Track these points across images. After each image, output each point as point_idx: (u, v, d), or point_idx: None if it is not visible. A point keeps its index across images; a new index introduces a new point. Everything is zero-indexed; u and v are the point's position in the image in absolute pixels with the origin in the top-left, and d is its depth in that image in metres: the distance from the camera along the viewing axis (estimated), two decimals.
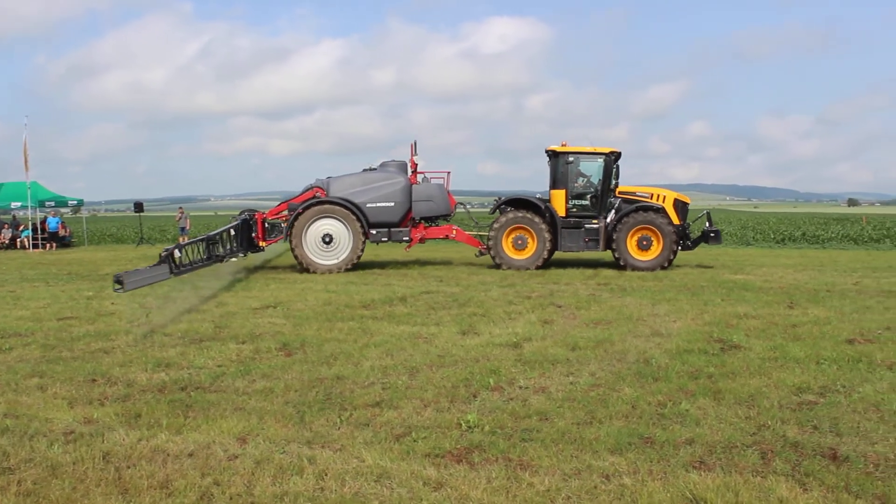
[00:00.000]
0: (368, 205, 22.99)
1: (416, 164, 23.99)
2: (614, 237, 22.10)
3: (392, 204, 23.14)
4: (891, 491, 5.35)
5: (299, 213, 22.63)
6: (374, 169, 23.88)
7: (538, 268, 22.28)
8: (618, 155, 23.01)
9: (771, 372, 8.80)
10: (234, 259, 21.96)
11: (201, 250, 18.36)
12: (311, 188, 23.56)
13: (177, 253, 15.70)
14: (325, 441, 6.53)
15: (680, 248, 22.46)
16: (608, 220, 22.51)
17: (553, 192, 23.05)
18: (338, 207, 22.71)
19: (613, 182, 22.90)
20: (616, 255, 22.31)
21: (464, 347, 10.39)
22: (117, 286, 12.57)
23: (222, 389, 8.31)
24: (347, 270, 22.48)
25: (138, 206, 42.69)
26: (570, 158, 22.84)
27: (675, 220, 22.27)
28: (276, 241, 24.67)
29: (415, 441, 6.48)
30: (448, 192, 24.02)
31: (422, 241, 24.25)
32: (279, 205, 24.46)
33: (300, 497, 5.36)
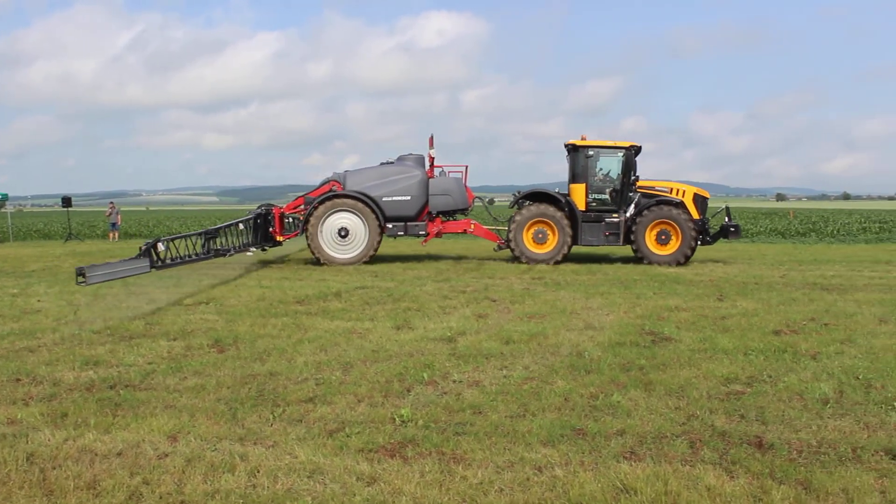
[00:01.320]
0: (385, 198, 22.98)
1: (434, 158, 23.90)
2: (633, 231, 22.17)
3: (408, 198, 23.09)
4: (812, 476, 5.49)
5: (315, 207, 22.64)
6: (392, 162, 23.85)
7: (558, 262, 22.28)
8: (637, 149, 22.92)
9: (700, 363, 8.97)
10: (248, 253, 21.72)
11: (198, 245, 18.09)
12: (327, 181, 23.62)
13: (161, 246, 15.43)
14: (257, 438, 6.47)
15: (699, 242, 22.56)
16: (628, 214, 22.51)
17: (573, 185, 22.96)
18: (354, 201, 22.72)
19: (633, 176, 22.85)
20: (635, 250, 22.35)
21: (398, 342, 10.38)
22: (80, 279, 12.29)
23: (152, 387, 8.17)
24: (365, 263, 22.56)
25: (66, 201, 41.76)
26: (590, 152, 22.76)
27: (695, 215, 22.32)
28: (294, 236, 24.65)
29: (348, 436, 6.45)
30: (466, 186, 23.94)
31: (438, 235, 24.20)
32: (296, 199, 24.52)
33: (232, 494, 5.30)
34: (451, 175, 24.08)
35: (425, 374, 8.51)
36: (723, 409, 7.15)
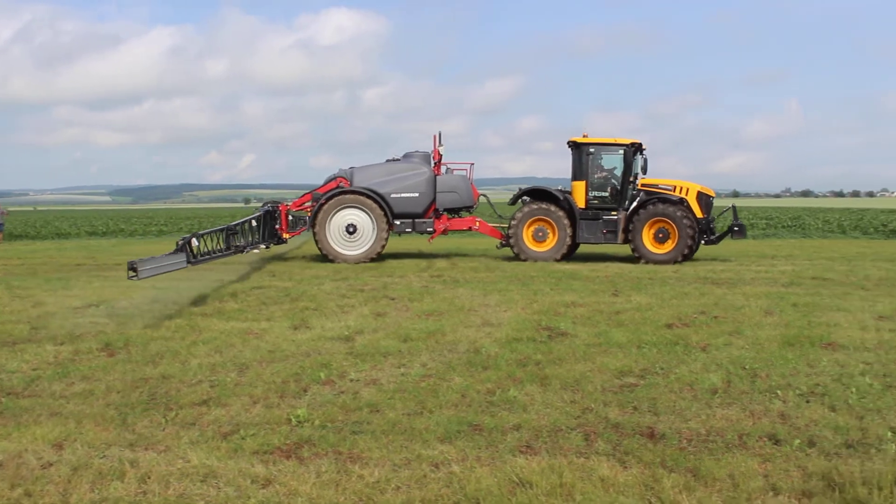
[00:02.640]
0: (393, 195, 22.88)
1: (441, 156, 23.79)
2: (630, 229, 21.83)
3: (416, 195, 23.00)
4: (701, 464, 5.65)
5: (323, 203, 22.61)
6: (398, 160, 23.75)
7: (559, 260, 21.98)
8: (638, 146, 22.61)
9: (595, 357, 9.13)
10: (255, 251, 21.61)
11: (221, 240, 18.02)
12: (334, 178, 23.44)
13: (194, 241, 15.43)
14: (148, 443, 6.29)
15: (703, 242, 22.32)
16: (628, 212, 22.18)
17: (574, 183, 22.70)
18: (362, 198, 22.64)
19: (634, 174, 22.54)
20: (632, 248, 21.97)
21: (295, 342, 10.25)
22: (131, 273, 12.17)
23: (37, 394, 7.86)
24: (372, 260, 22.40)
25: None
26: (591, 150, 22.46)
27: (699, 214, 21.92)
28: (299, 233, 24.44)
29: (243, 438, 6.33)
30: (471, 183, 23.81)
31: (444, 232, 24.09)
32: (303, 196, 24.32)
33: (120, 502, 5.14)
34: (456, 173, 24.01)
35: (322, 374, 8.43)
36: (616, 402, 7.30)
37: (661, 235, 21.75)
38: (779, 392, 7.60)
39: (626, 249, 23.16)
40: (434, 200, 23.30)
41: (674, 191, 22.39)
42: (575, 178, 22.81)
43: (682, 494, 5.16)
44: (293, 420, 6.82)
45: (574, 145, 22.78)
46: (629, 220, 22.02)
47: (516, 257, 22.57)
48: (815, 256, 24.23)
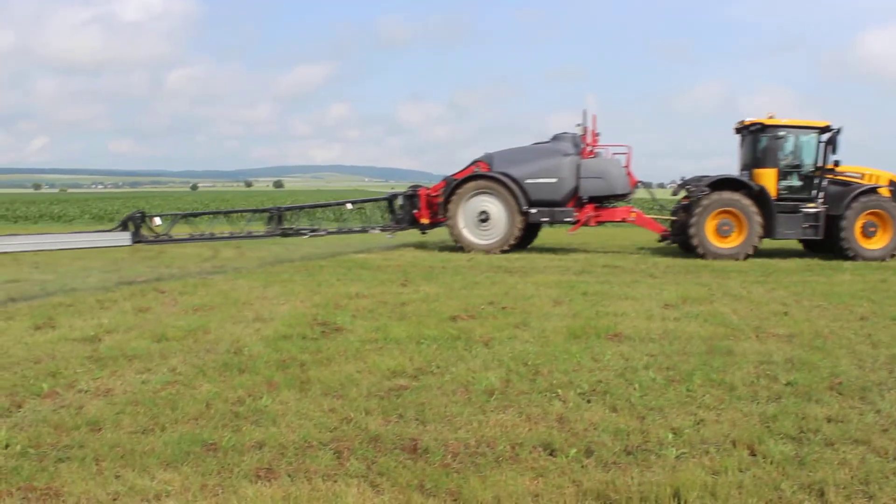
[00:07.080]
0: (528, 180, 20.67)
1: (598, 138, 21.36)
2: (842, 223, 19.27)
3: (554, 180, 20.64)
4: (465, 484, 4.92)
5: (454, 189, 21.02)
6: (545, 142, 21.48)
7: (748, 257, 19.34)
8: (838, 130, 19.96)
9: (368, 356, 8.28)
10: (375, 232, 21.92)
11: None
12: (475, 162, 21.35)
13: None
14: None
15: None
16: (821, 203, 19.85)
17: (759, 171, 20.06)
18: (493, 183, 20.84)
19: (835, 161, 19.93)
20: (842, 243, 19.39)
21: (28, 345, 8.79)
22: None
23: None
24: (504, 252, 20.28)
25: None
26: (780, 133, 20.08)
27: None
28: (442, 220, 21.84)
29: None
30: (628, 170, 21.24)
31: (591, 223, 21.32)
32: (441, 181, 22.26)
33: None
34: (614, 157, 21.54)
35: (46, 385, 7.11)
36: (381, 409, 6.45)
37: (870, 230, 19.49)
38: (559, 391, 7.02)
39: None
40: (577, 187, 20.89)
41: (862, 179, 20.16)
42: (757, 165, 20.35)
43: None
44: None
45: (760, 128, 20.32)
46: (836, 213, 19.56)
47: (698, 255, 19.57)
48: (608, 245, 24.37)
